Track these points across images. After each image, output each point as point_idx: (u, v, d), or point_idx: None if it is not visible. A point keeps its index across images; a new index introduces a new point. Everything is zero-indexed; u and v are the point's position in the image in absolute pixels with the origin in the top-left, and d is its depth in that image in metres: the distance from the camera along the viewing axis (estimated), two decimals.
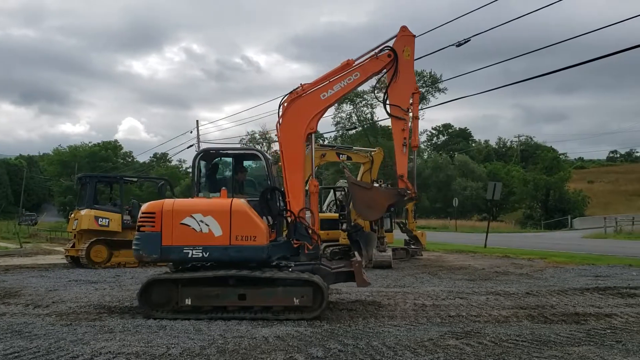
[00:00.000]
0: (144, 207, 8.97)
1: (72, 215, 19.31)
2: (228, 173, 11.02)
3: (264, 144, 72.13)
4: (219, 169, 10.91)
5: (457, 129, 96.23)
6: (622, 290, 11.44)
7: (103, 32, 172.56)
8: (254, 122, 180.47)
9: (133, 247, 8.86)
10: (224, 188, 9.30)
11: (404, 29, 10.28)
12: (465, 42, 16.05)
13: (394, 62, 9.96)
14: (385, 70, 10.07)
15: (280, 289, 8.63)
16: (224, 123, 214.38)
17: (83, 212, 18.11)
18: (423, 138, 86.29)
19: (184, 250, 8.52)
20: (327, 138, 61.62)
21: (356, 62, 9.94)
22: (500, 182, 28.92)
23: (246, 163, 10.73)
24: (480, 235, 29.40)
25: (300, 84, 9.60)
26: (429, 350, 6.59)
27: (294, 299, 8.57)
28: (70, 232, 19.70)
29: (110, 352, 6.51)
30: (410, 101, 10.11)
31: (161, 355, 6.43)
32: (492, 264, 17.52)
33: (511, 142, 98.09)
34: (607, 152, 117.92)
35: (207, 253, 8.53)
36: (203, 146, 37.80)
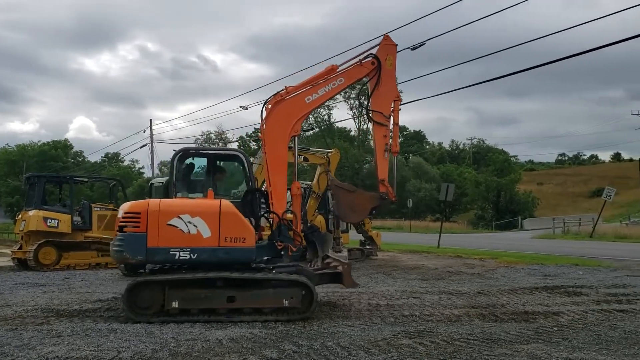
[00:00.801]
0: (127, 206, 8.67)
1: (20, 216, 18.72)
2: (201, 173, 10.79)
3: (220, 144, 71.53)
4: (195, 169, 10.74)
5: (412, 131, 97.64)
6: (569, 289, 11.79)
7: (53, 28, 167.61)
8: (209, 122, 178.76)
9: (114, 248, 8.49)
10: (210, 189, 9.18)
11: (386, 37, 10.55)
12: (420, 46, 16.27)
13: (378, 70, 10.19)
14: (367, 78, 10.31)
15: (270, 290, 8.56)
16: (178, 122, 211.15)
17: (31, 212, 17.57)
18: None
19: (171, 252, 8.28)
20: None
21: (340, 68, 10.12)
22: (453, 184, 29.47)
23: (225, 164, 10.71)
24: (434, 236, 29.87)
25: (285, 87, 9.62)
26: (383, 350, 6.64)
27: (284, 300, 8.52)
28: (18, 233, 19.13)
29: (58, 356, 6.31)
30: (392, 108, 10.41)
31: (111, 359, 6.27)
32: (445, 264, 17.82)
33: (464, 144, 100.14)
34: (555, 155, 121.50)
35: (195, 255, 8.34)
36: (157, 146, 37.18)
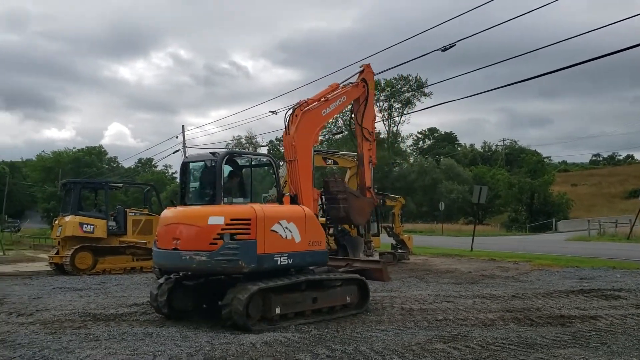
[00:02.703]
0: (233, 212, 8.20)
1: (56, 221, 19.11)
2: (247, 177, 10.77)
3: (250, 148, 72.01)
4: (239, 174, 10.79)
5: (443, 133, 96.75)
6: (607, 292, 11.54)
7: (88, 37, 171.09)
8: (239, 127, 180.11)
9: (227, 257, 7.92)
10: (287, 194, 9.33)
11: (368, 66, 12.71)
12: (451, 47, 16.12)
13: (367, 92, 12.39)
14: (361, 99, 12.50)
15: (339, 289, 9.18)
16: (210, 128, 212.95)
17: (67, 218, 17.94)
18: (409, 142, 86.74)
19: (274, 258, 8.30)
20: None
21: (340, 86, 11.77)
22: (486, 186, 29.05)
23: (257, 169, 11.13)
24: (467, 239, 29.53)
25: (306, 99, 10.44)
26: (417, 355, 6.60)
27: (347, 297, 9.25)
28: (55, 238, 19.50)
29: None
30: (372, 126, 12.86)
31: None
32: (478, 267, 17.61)
33: (496, 145, 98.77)
34: (589, 156, 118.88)
35: (291, 259, 8.51)
36: (190, 151, 37.62)
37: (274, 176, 9.61)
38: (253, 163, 10.38)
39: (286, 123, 10.13)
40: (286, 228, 8.44)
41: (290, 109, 10.30)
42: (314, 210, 9.91)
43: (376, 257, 16.90)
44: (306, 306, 8.67)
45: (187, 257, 8.15)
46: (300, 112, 10.02)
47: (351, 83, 12.18)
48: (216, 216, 8.08)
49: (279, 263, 8.35)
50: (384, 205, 20.27)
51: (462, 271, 16.64)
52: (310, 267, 9.31)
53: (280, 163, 14.22)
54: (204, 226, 8.08)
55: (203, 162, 9.14)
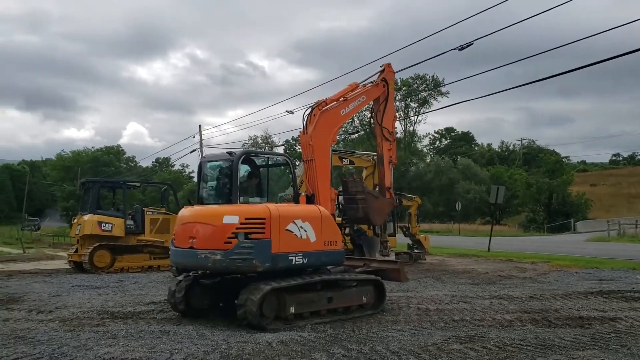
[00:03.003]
0: (248, 211, 8.25)
1: (75, 220, 19.31)
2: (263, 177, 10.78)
3: (266, 148, 72.20)
4: (256, 173, 10.83)
5: (460, 132, 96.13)
6: (626, 293, 11.40)
7: (107, 38, 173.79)
8: (256, 126, 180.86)
9: (241, 256, 7.99)
10: (303, 194, 9.39)
11: (389, 65, 12.49)
12: (468, 46, 16.02)
13: (387, 91, 12.23)
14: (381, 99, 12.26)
15: (354, 289, 9.19)
16: (227, 127, 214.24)
17: (86, 217, 18.12)
18: (425, 142, 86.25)
19: (289, 257, 8.34)
20: None
21: (360, 85, 11.60)
22: (503, 186, 28.83)
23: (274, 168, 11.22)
24: (484, 239, 29.31)
25: (325, 98, 10.38)
26: (433, 355, 6.57)
27: (363, 297, 9.26)
28: (73, 237, 19.70)
29: (113, 357, 6.50)
30: (393, 126, 12.60)
31: None
32: (495, 268, 17.48)
33: (514, 145, 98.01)
34: (609, 155, 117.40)
35: (306, 259, 8.53)
36: (206, 151, 37.80)
37: (290, 175, 9.63)
38: (270, 163, 10.40)
39: (304, 122, 10.11)
40: (301, 227, 8.45)
41: (308, 108, 10.26)
42: (330, 210, 9.88)
43: (392, 257, 16.85)
44: (321, 306, 8.69)
45: (203, 255, 8.21)
46: (318, 112, 9.99)
47: (371, 82, 12.08)
48: (231, 215, 8.13)
49: (293, 262, 8.37)
50: (400, 205, 20.21)
51: (479, 272, 16.53)
52: (327, 267, 9.31)
53: (297, 162, 14.25)
54: (219, 225, 8.14)
55: (220, 162, 9.17)
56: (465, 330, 7.99)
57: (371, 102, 12.53)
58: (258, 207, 8.42)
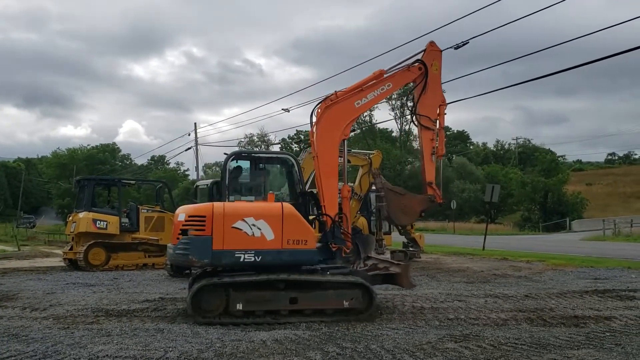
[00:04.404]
0: (192, 209, 8.77)
1: (70, 218, 19.26)
2: (257, 176, 10.74)
3: (262, 146, 72.17)
4: (247, 173, 10.82)
5: (455, 131, 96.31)
6: (621, 292, 11.42)
7: (105, 36, 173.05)
8: (252, 124, 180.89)
9: (178, 251, 8.57)
10: (271, 192, 9.31)
11: (432, 44, 10.83)
12: (464, 45, 16.01)
13: (424, 75, 10.48)
14: (414, 83, 10.64)
15: (331, 291, 8.74)
16: (223, 125, 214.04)
17: (81, 214, 18.07)
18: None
19: (236, 255, 8.38)
20: None
21: (388, 72, 10.27)
22: (498, 185, 28.89)
23: (275, 166, 10.90)
24: (479, 238, 29.36)
25: (335, 92, 9.72)
26: (428, 354, 6.57)
27: (344, 301, 8.72)
28: (69, 234, 19.64)
29: (107, 355, 6.48)
30: (437, 112, 10.80)
31: (158, 358, 6.40)
32: (490, 267, 17.50)
33: (509, 144, 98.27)
34: (605, 155, 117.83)
35: (260, 257, 8.46)
36: (201, 149, 37.77)
37: (283, 174, 9.62)
38: (268, 161, 10.40)
39: (311, 118, 9.71)
40: (254, 225, 8.43)
41: (318, 102, 9.78)
42: (345, 208, 9.56)
43: (387, 255, 16.85)
44: (282, 306, 8.56)
45: (170, 250, 9.12)
46: (324, 106, 9.67)
47: (408, 67, 10.57)
48: (181, 213, 8.81)
49: (242, 260, 8.40)
50: None
51: (474, 270, 16.55)
52: (318, 267, 9.13)
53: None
54: (176, 222, 8.91)
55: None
56: (460, 329, 7.99)
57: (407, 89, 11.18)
58: (202, 206, 8.90)
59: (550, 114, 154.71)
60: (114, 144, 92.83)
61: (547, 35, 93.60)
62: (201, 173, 52.47)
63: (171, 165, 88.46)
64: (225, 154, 9.07)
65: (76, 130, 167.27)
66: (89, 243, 17.48)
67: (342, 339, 7.34)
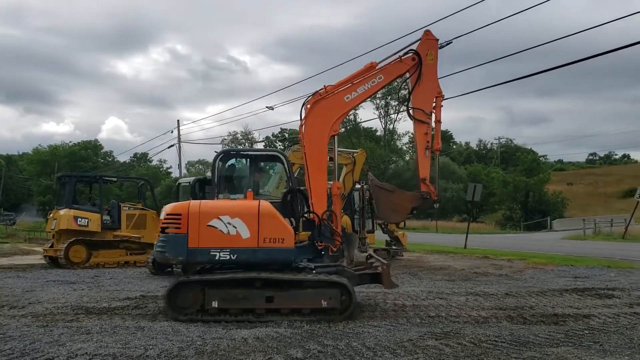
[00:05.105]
0: (169, 208, 8.86)
1: (51, 215, 19.07)
2: (246, 174, 10.58)
3: (246, 144, 71.94)
4: (237, 170, 10.76)
5: None
6: (600, 291, 11.56)
7: (88, 32, 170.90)
8: (236, 122, 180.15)
9: (157, 249, 8.78)
10: (250, 190, 9.26)
11: (427, 33, 10.26)
12: (447, 44, 16.08)
13: (418, 66, 9.92)
14: (408, 74, 10.05)
15: (309, 291, 8.60)
16: (206, 123, 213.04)
17: (62, 211, 17.89)
18: (405, 140, 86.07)
19: (211, 252, 8.40)
20: None
21: (379, 65, 9.89)
22: (480, 184, 29.11)
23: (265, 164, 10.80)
24: (460, 236, 29.54)
25: (324, 86, 9.49)
26: (408, 351, 6.59)
27: (322, 301, 8.56)
28: (49, 232, 19.45)
29: (87, 353, 6.42)
30: (433, 105, 10.11)
31: (139, 356, 6.35)
32: (471, 265, 17.62)
33: (491, 144, 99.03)
34: (586, 155, 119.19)
35: (235, 255, 8.45)
36: (184, 146, 37.57)
37: (272, 172, 9.62)
38: (258, 159, 10.38)
39: (300, 113, 9.51)
40: (229, 224, 8.44)
41: (307, 97, 9.61)
42: (335, 205, 9.48)
43: (371, 253, 16.88)
44: (257, 304, 8.50)
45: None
46: (312, 101, 9.41)
47: (400, 58, 10.10)
48: (163, 212, 8.90)
49: (217, 258, 8.42)
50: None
51: (455, 268, 16.65)
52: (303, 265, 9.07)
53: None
54: (160, 220, 8.99)
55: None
56: (440, 327, 8.03)
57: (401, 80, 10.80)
58: (179, 204, 9.01)
59: (532, 114, 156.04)
60: (96, 140, 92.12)
61: (531, 36, 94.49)
62: (184, 171, 52.27)
63: (154, 163, 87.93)
64: (215, 151, 9.05)
65: (59, 127, 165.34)
66: (70, 240, 17.31)
67: (324, 337, 7.34)
